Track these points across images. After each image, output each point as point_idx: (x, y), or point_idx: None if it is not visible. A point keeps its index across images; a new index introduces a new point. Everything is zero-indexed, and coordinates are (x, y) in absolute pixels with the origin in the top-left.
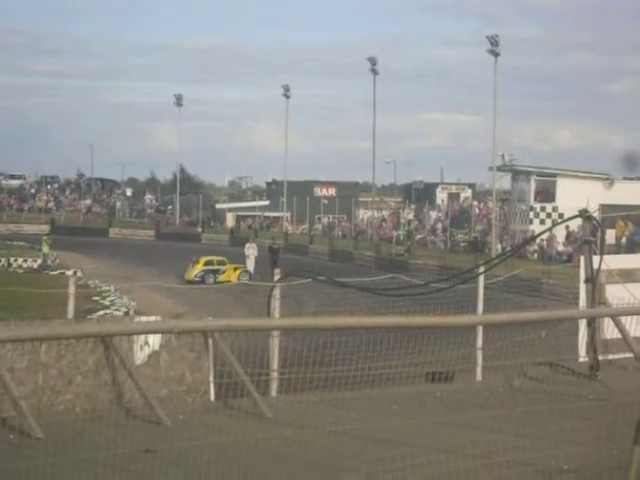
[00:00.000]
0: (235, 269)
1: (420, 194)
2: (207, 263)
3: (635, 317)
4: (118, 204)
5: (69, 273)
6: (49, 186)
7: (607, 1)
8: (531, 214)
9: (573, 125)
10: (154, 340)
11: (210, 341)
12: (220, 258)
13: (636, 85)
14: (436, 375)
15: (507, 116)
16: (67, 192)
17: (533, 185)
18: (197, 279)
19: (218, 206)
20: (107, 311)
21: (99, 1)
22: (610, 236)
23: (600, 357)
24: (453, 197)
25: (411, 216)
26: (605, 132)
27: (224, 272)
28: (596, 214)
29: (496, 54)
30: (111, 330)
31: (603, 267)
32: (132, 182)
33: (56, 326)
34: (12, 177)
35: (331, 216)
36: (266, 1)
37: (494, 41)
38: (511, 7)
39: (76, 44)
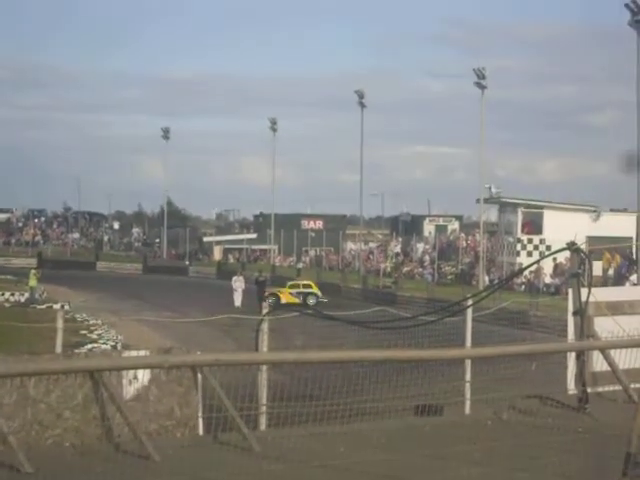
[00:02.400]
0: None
1: (407, 226)
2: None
3: (624, 350)
4: (105, 237)
5: (57, 307)
6: (36, 220)
7: (590, 33)
8: (518, 246)
9: (558, 157)
10: (143, 375)
11: (199, 375)
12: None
13: (619, 116)
14: (425, 408)
15: (492, 147)
16: (54, 225)
17: (520, 217)
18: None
19: (205, 239)
20: (95, 345)
21: (85, 34)
22: (597, 268)
23: (589, 390)
24: (440, 229)
25: (398, 248)
26: (590, 164)
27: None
28: (584, 246)
29: (483, 87)
30: (100, 365)
31: (591, 299)
32: (119, 215)
33: (45, 361)
34: None
35: (318, 249)
36: (253, 34)
37: (480, 74)
38: (495, 38)
39: (62, 77)
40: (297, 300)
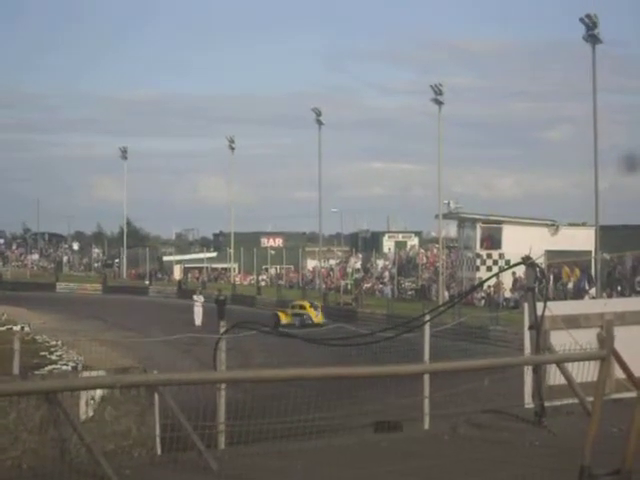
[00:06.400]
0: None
1: (367, 243)
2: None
3: (580, 363)
4: (65, 258)
5: (16, 328)
6: None
7: (542, 49)
8: (477, 261)
9: (516, 172)
10: (99, 395)
11: (156, 395)
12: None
13: (573, 132)
14: (383, 424)
15: (450, 164)
16: (14, 247)
17: (479, 232)
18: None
19: (165, 258)
20: (55, 366)
21: (40, 54)
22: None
23: (546, 403)
24: (400, 245)
25: (358, 265)
26: (545, 178)
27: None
28: (540, 260)
29: (440, 103)
30: (54, 386)
31: (547, 313)
32: (79, 236)
33: None
34: None
35: (278, 266)
36: (210, 53)
37: (438, 90)
38: (450, 56)
39: (20, 98)
40: (292, 320)
